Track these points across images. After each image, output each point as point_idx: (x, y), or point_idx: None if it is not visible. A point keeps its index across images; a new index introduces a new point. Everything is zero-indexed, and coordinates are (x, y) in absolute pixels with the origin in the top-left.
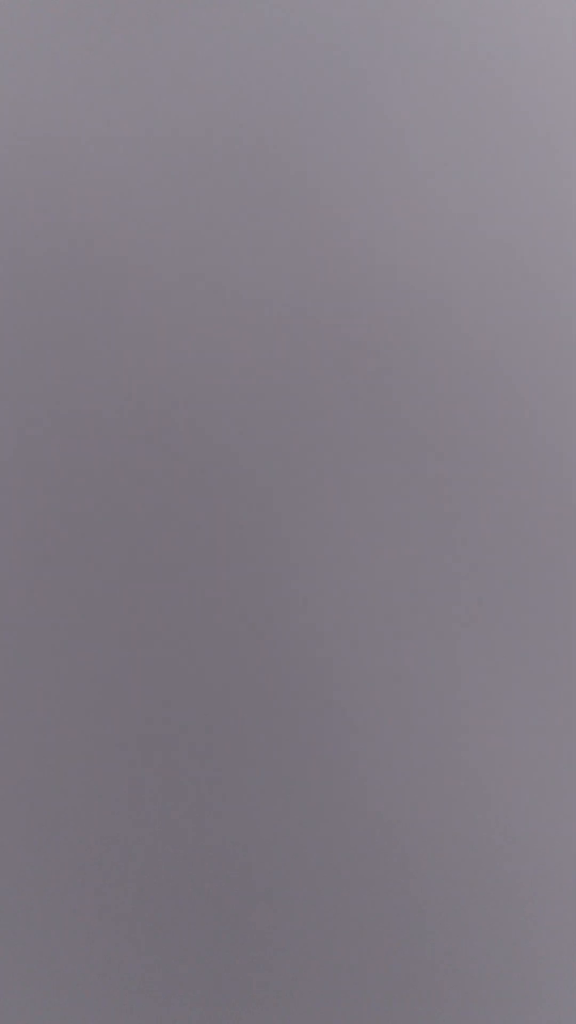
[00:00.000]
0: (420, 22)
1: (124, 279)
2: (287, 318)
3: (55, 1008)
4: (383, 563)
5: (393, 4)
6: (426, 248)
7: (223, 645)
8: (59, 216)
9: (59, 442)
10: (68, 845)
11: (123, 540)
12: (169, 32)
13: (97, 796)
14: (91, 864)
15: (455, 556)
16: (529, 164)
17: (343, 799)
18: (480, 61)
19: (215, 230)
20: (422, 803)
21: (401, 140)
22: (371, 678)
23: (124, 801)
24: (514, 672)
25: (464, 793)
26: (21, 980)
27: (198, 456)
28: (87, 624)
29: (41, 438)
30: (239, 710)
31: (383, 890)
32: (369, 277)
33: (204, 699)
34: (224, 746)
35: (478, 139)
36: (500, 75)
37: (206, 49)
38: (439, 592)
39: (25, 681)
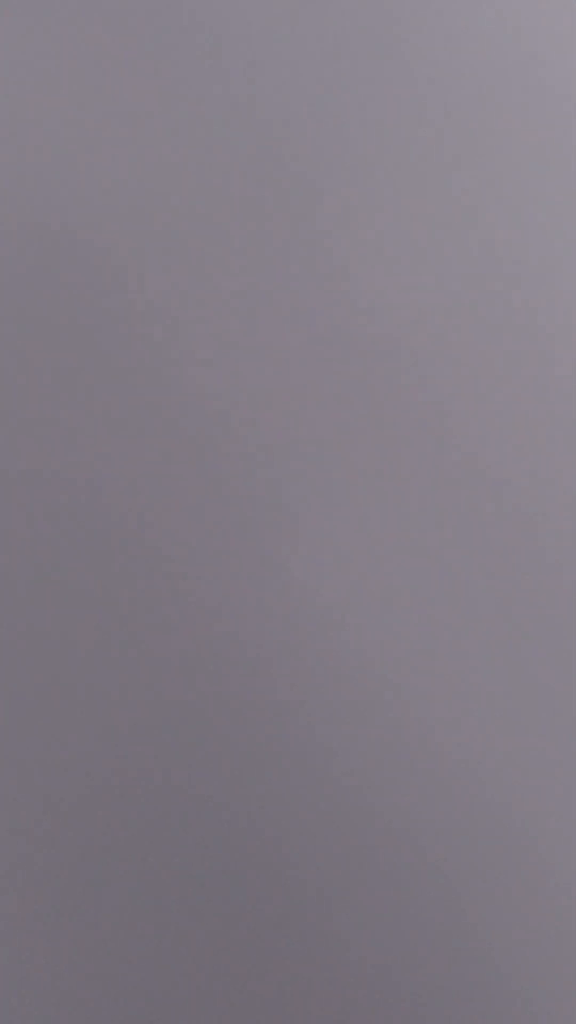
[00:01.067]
0: (420, 25)
1: (124, 283)
2: (288, 318)
3: (55, 1008)
4: (385, 559)
5: (394, 7)
6: (426, 249)
7: (225, 640)
8: (59, 220)
9: (59, 442)
10: (68, 846)
11: (124, 535)
12: (169, 33)
13: (98, 792)
14: (91, 866)
15: (457, 551)
16: (530, 167)
17: (343, 793)
18: (481, 62)
19: (215, 234)
20: (422, 799)
21: (401, 146)
22: (372, 671)
23: (125, 797)
24: (516, 665)
25: (465, 788)
26: (21, 980)
27: (199, 457)
28: (88, 617)
29: (41, 436)
30: (240, 705)
31: (383, 887)
32: (369, 278)
33: (204, 698)
34: (225, 740)
35: (479, 144)
36: (500, 77)
37: (206, 51)
38: (440, 586)
39: (27, 670)
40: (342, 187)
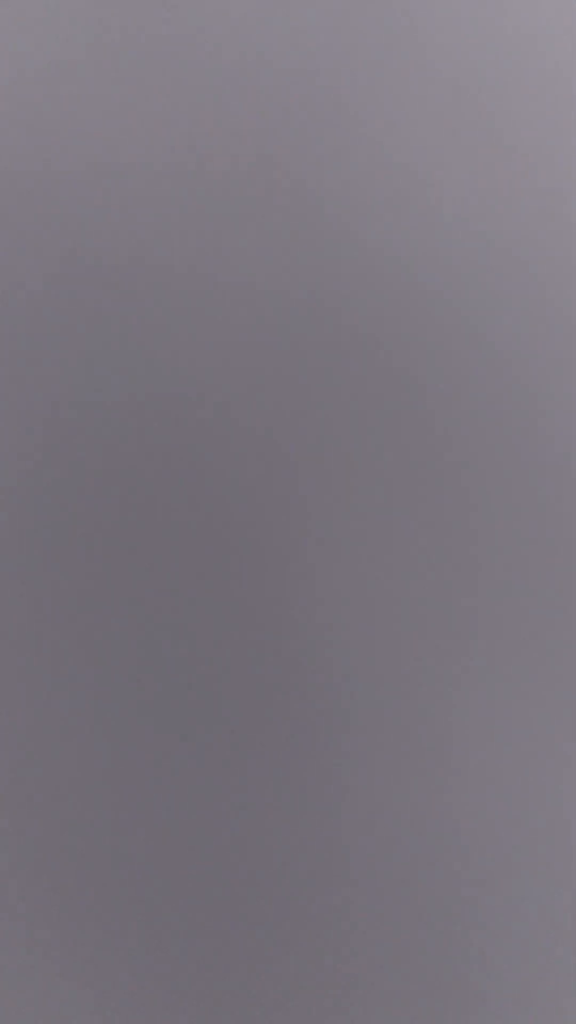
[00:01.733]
0: (421, 27)
1: (125, 285)
2: (290, 322)
3: (55, 1007)
4: (384, 571)
5: (394, 10)
6: (426, 251)
7: (226, 650)
8: (59, 220)
9: (61, 450)
10: (68, 847)
11: (126, 544)
12: (170, 34)
13: (99, 794)
14: (91, 868)
15: (456, 562)
16: (530, 168)
17: (342, 802)
18: (481, 64)
19: (216, 232)
20: (421, 807)
21: (401, 146)
22: (372, 683)
23: (125, 800)
24: (514, 675)
25: (463, 798)
26: (21, 979)
27: (201, 461)
28: (90, 629)
29: (43, 445)
30: (241, 717)
31: (382, 895)
32: (369, 279)
33: (205, 703)
34: (226, 752)
35: (479, 143)
36: (501, 78)
37: (207, 52)
38: (440, 596)
39: (29, 674)
40: (342, 184)
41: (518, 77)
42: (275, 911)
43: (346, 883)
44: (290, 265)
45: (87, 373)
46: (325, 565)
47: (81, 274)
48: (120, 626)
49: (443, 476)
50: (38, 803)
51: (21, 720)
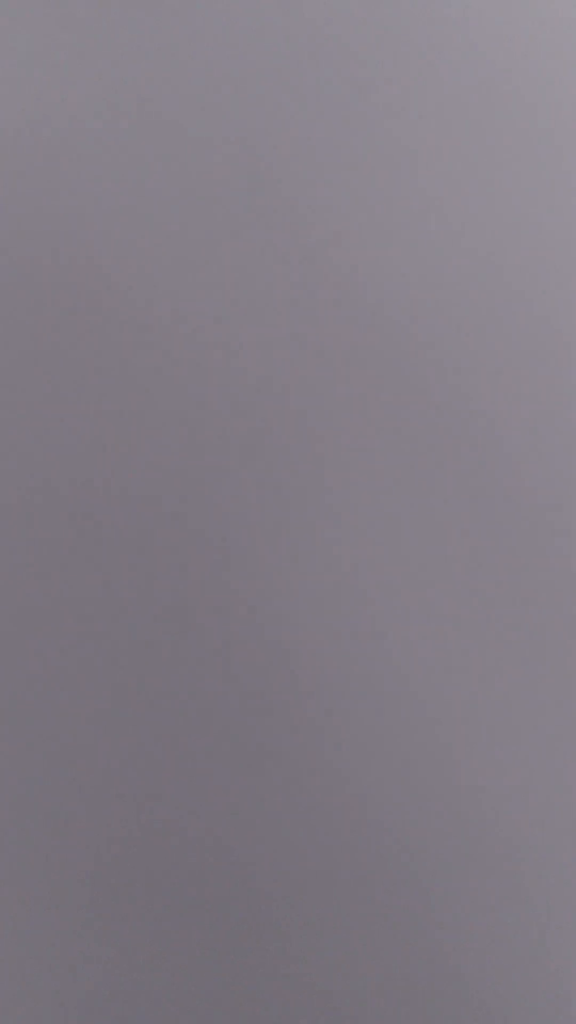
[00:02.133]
0: (421, 25)
1: (122, 284)
2: (287, 321)
3: (55, 1007)
4: (382, 567)
5: (394, 8)
6: (426, 253)
7: (221, 651)
8: (56, 220)
9: (58, 446)
10: (67, 849)
11: (124, 541)
12: (168, 32)
13: (97, 801)
14: (91, 871)
15: (455, 559)
16: (531, 171)
17: (342, 803)
18: (481, 63)
19: (214, 232)
20: (422, 807)
21: (402, 146)
22: (370, 681)
23: (124, 807)
24: (515, 673)
25: (464, 797)
26: (20, 980)
27: (199, 460)
28: (86, 631)
29: (41, 444)
30: (238, 716)
31: (384, 897)
32: (369, 280)
33: (203, 704)
34: (224, 753)
35: (480, 145)
36: (502, 77)
37: (205, 49)
38: (439, 593)
39: (27, 675)
40: (341, 181)
41: (518, 77)
42: (275, 913)
43: (347, 885)
44: (289, 267)
45: (86, 374)
46: (325, 565)
47: (80, 274)
48: (120, 625)
49: (445, 477)
50: (37, 805)
51: (20, 721)
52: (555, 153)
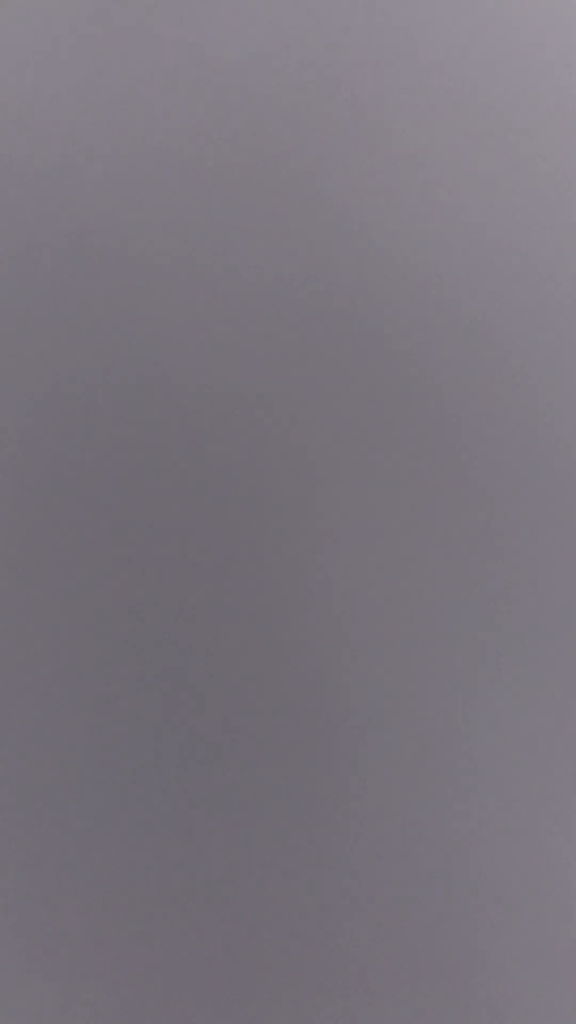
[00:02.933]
0: (421, 21)
1: (123, 277)
2: (289, 319)
3: (55, 1007)
4: (388, 574)
5: (394, 6)
6: (427, 249)
7: (227, 653)
8: (59, 212)
9: (58, 449)
10: (68, 852)
11: (125, 542)
12: (169, 26)
13: (99, 802)
14: (91, 873)
15: (461, 564)
16: (532, 162)
17: (346, 808)
18: (481, 60)
19: (216, 225)
20: (425, 813)
21: (401, 136)
22: (376, 686)
23: (126, 806)
24: (521, 679)
25: (470, 805)
26: (21, 979)
27: (201, 463)
28: (88, 631)
29: (42, 441)
30: (244, 721)
31: (385, 902)
32: (369, 280)
33: (207, 708)
34: (228, 759)
35: (480, 137)
36: (501, 74)
37: (206, 42)
38: (445, 599)
39: (28, 681)
40: (342, 174)
41: (519, 78)
42: (275, 916)
43: (348, 889)
44: (290, 261)
45: (87, 370)
46: (332, 566)
47: (81, 268)
48: (121, 625)
49: (449, 478)
50: (37, 808)
51: (20, 722)
52: (557, 155)
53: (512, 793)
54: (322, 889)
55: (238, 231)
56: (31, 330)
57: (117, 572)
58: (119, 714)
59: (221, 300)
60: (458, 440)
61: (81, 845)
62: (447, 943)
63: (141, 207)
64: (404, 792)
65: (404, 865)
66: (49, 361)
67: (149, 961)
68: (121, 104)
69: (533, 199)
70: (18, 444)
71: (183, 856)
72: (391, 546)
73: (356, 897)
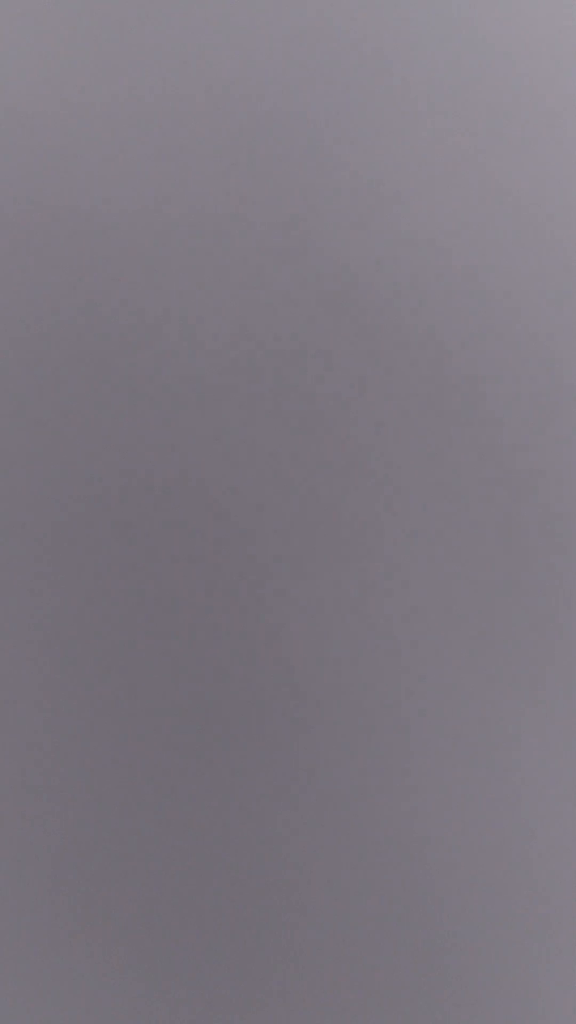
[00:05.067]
0: (422, 21)
1: (121, 273)
2: (288, 320)
3: (55, 1007)
4: (386, 575)
5: (394, 6)
6: (427, 251)
7: (220, 663)
8: (56, 207)
9: (57, 451)
10: (67, 853)
11: (122, 551)
12: (168, 24)
13: (96, 806)
14: (90, 873)
15: (455, 575)
16: (532, 162)
17: (344, 816)
18: (481, 60)
19: (214, 221)
20: (425, 820)
21: (403, 132)
22: (370, 698)
23: (124, 812)
24: (517, 689)
25: (467, 804)
26: (20, 979)
27: (198, 469)
28: (85, 641)
29: (40, 446)
30: (239, 731)
31: (386, 909)
32: (369, 281)
33: (203, 716)
34: (225, 768)
35: (481, 138)
36: (502, 73)
37: (206, 40)
38: (440, 610)
39: (25, 690)
40: (342, 170)
41: (519, 79)
42: (275, 917)
43: (347, 888)
44: (290, 262)
45: (84, 370)
46: (325, 571)
47: (80, 269)
48: (122, 638)
49: (444, 482)
50: (37, 805)
51: (18, 723)
52: (557, 154)
53: (510, 790)
54: (321, 890)
55: (238, 233)
56: (27, 332)
57: (116, 572)
58: (118, 716)
59: (220, 299)
60: (463, 439)
61: (79, 843)
62: (447, 943)
63: (139, 205)
64: (403, 789)
65: (405, 864)
66: (46, 362)
67: (146, 951)
68: (121, 105)
69: (534, 202)
70: (16, 445)
71: (182, 856)
72: (392, 555)
73: (356, 895)
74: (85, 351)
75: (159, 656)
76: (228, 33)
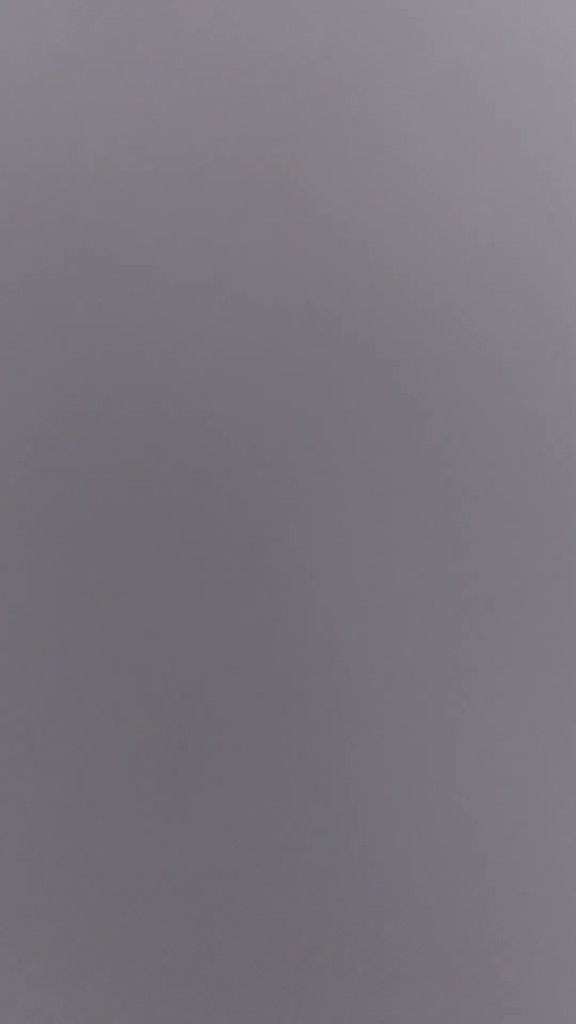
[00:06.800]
0: (421, 26)
1: (125, 285)
2: (290, 322)
3: (55, 1007)
4: (386, 570)
5: (394, 8)
6: (427, 253)
7: (225, 649)
8: (61, 219)
9: (59, 448)
10: (67, 851)
11: (126, 542)
12: (170, 33)
13: (98, 801)
14: (90, 872)
15: (459, 562)
16: (529, 167)
17: (343, 803)
18: (480, 62)
19: (216, 233)
20: (422, 810)
21: (401, 146)
22: (374, 683)
23: (125, 806)
24: (518, 675)
25: (466, 800)
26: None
27: (201, 463)
28: (88, 629)
29: (43, 442)
30: (242, 718)
31: (382, 898)
32: (370, 282)
33: (206, 705)
34: (226, 752)
35: (478, 143)
36: (501, 76)
37: (207, 48)
38: (443, 596)
39: (27, 685)
40: (342, 184)
41: (519, 80)
42: (275, 914)
43: (347, 885)
44: (289, 272)
45: (86, 380)
46: (325, 566)
47: (81, 278)
48: (122, 629)
49: (442, 480)
50: (37, 804)
51: (18, 724)
52: (556, 154)
53: (510, 785)
54: (320, 886)
55: (237, 236)
56: (29, 338)
57: (115, 572)
58: (117, 715)
59: (218, 305)
60: (452, 452)
61: (78, 842)
62: (447, 944)
63: (139, 211)
64: (402, 786)
65: (403, 865)
66: (47, 371)
67: (146, 950)
68: (120, 106)
69: (533, 205)
70: (15, 449)
71: (182, 856)
72: (385, 547)
73: (356, 892)
74: (82, 359)
75: (164, 636)
76: (228, 35)
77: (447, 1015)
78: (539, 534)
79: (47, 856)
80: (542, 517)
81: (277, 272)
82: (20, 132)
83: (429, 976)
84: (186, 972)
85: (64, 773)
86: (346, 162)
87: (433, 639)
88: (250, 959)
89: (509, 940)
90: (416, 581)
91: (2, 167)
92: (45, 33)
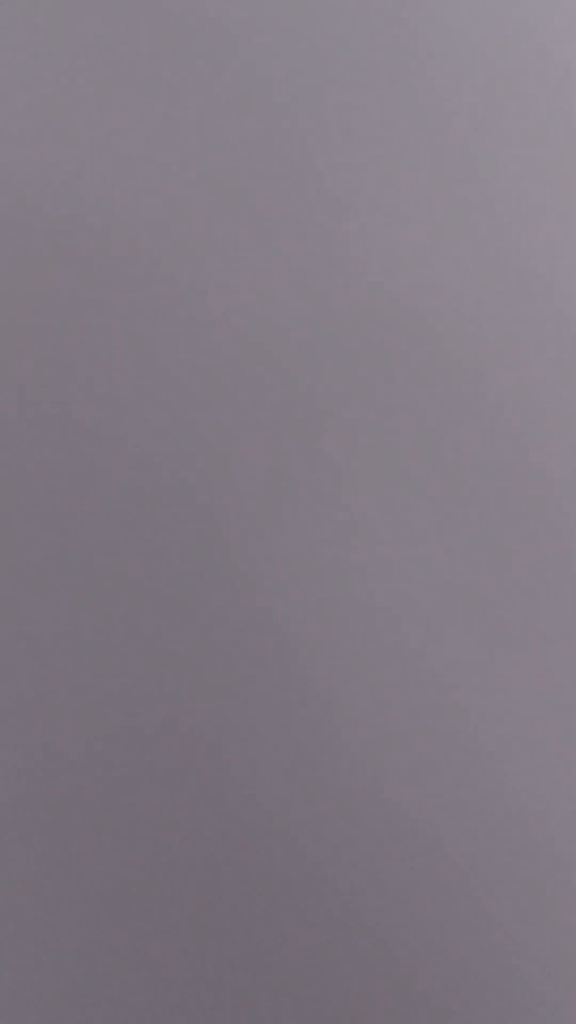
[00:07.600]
0: (421, 27)
1: (123, 291)
2: (288, 325)
3: (55, 1007)
4: (383, 565)
5: (394, 9)
6: (427, 256)
7: (221, 644)
8: (60, 224)
9: (56, 448)
10: (66, 849)
11: (121, 542)
12: (171, 38)
13: (97, 795)
14: (89, 871)
15: (455, 558)
16: (530, 171)
17: (343, 799)
18: (480, 63)
19: (215, 238)
20: (421, 803)
21: (402, 151)
22: (370, 678)
23: (124, 802)
24: (514, 671)
25: (465, 790)
26: (20, 978)
27: (201, 463)
28: (89, 629)
29: (39, 440)
30: (239, 713)
31: (383, 886)
32: (369, 284)
33: (202, 698)
34: (225, 746)
35: (479, 149)
36: (501, 77)
37: (207, 53)
38: (439, 592)
39: (25, 676)
40: (344, 171)
41: (520, 80)
42: (275, 913)
43: (347, 884)
44: (289, 274)
45: (87, 378)
46: (326, 566)
47: (81, 278)
48: (119, 619)
49: (442, 479)
50: (36, 803)
51: (18, 725)
52: (557, 154)
53: (510, 781)
54: (320, 882)
55: (237, 237)
56: (27, 338)
57: (114, 566)
58: (116, 714)
59: (219, 303)
60: (462, 423)
61: (78, 845)
62: (446, 945)
63: (140, 211)
64: (401, 782)
65: (404, 861)
66: (46, 369)
67: (147, 948)
68: (121, 106)
69: (534, 205)
70: (14, 449)
71: (183, 845)
72: (394, 528)
73: (356, 888)
74: (82, 359)
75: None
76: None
77: (447, 1015)
78: (540, 534)
79: (47, 856)
80: (543, 517)
81: (277, 272)
82: (20, 131)
83: (429, 975)
84: (187, 972)
85: (65, 772)
86: (347, 164)
87: (433, 638)
88: (251, 959)
89: (509, 940)
90: (416, 581)
91: (2, 167)
92: (45, 33)
